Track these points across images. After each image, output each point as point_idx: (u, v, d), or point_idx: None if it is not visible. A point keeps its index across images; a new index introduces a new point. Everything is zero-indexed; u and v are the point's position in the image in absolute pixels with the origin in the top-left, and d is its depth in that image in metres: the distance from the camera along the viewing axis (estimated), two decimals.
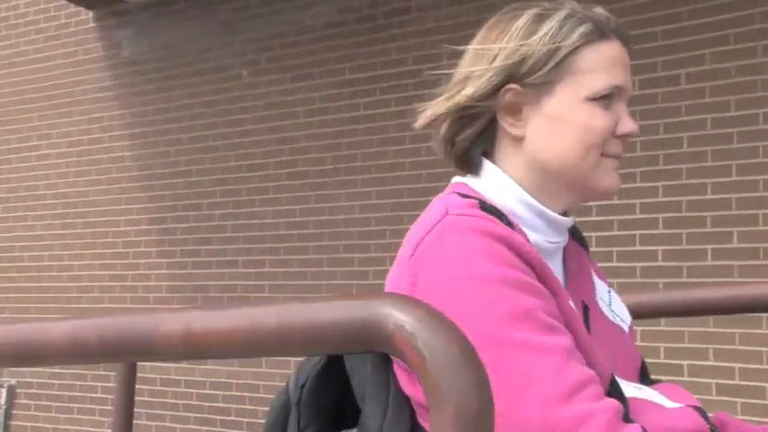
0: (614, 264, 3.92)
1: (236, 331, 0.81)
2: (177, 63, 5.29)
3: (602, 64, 1.11)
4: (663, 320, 3.76)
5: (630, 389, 1.09)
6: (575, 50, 1.11)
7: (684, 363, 3.78)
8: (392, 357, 1.04)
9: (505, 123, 1.12)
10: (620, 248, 3.94)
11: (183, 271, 5.10)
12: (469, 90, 1.12)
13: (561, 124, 1.11)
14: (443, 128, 1.16)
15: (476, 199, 1.08)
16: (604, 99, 1.11)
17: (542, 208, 1.12)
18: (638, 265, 3.90)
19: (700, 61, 3.84)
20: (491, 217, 1.04)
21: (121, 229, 5.37)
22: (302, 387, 1.12)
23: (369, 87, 4.67)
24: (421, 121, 1.18)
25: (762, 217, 3.67)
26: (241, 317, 0.82)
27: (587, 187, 1.13)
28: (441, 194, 1.13)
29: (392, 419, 1.02)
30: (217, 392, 4.87)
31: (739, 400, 3.62)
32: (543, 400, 0.92)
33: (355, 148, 4.67)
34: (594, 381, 0.96)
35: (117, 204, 5.41)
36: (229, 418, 4.80)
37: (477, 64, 1.14)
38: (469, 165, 1.15)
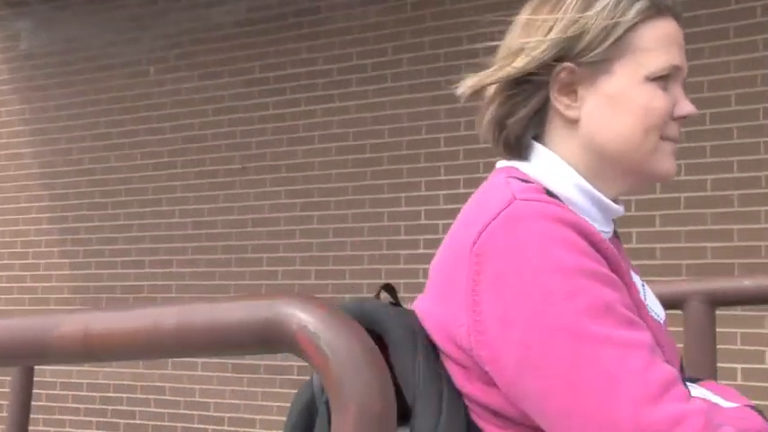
0: None
1: (137, 332, 0.79)
2: (80, 57, 5.14)
3: (660, 42, 1.05)
4: None
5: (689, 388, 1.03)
6: (633, 27, 1.04)
7: None
8: (443, 351, 0.99)
9: (560, 105, 1.05)
10: None
11: (86, 271, 4.97)
12: (521, 62, 1.05)
13: (620, 105, 1.05)
14: (492, 109, 1.08)
15: (538, 184, 1.02)
16: (662, 79, 1.05)
17: (599, 195, 1.06)
18: None
19: None
20: (562, 203, 0.98)
21: (20, 228, 5.20)
22: None
23: (278, 86, 4.64)
24: (463, 89, 1.09)
25: (658, 218, 3.80)
26: (142, 317, 0.80)
27: (645, 172, 1.08)
28: (494, 180, 1.05)
29: (447, 419, 0.94)
30: (121, 395, 4.76)
31: None
32: (633, 401, 0.86)
33: (264, 147, 4.64)
34: (678, 379, 0.91)
35: (15, 203, 5.23)
36: (134, 422, 4.70)
37: (531, 35, 1.06)
38: (519, 149, 1.07)
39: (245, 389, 4.45)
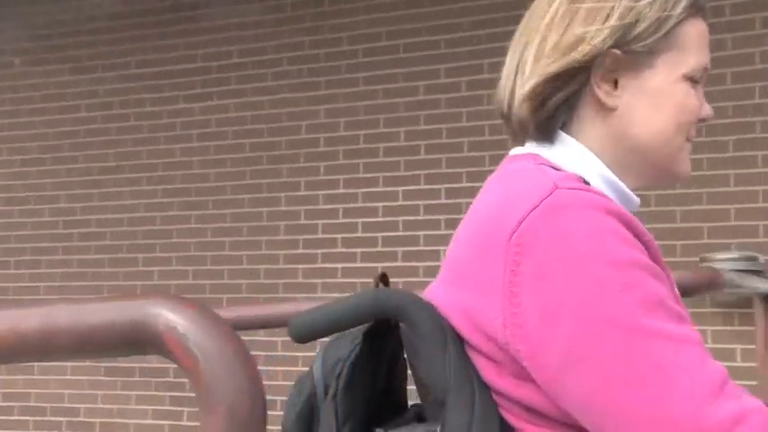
0: (400, 263, 4.05)
1: None
2: None
3: (698, 41, 1.05)
4: None
5: None
6: (680, 22, 1.03)
7: None
8: (470, 344, 0.94)
9: (601, 92, 1.02)
10: (405, 248, 4.07)
11: None
12: (585, 47, 1.00)
13: (659, 100, 1.03)
14: (529, 88, 1.03)
15: (572, 173, 0.98)
16: (693, 79, 1.05)
17: (623, 186, 1.03)
18: (421, 264, 4.05)
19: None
20: (603, 193, 0.95)
21: None
22: (338, 376, 0.98)
23: (155, 83, 4.53)
24: (530, 85, 1.03)
25: None
26: (2, 320, 0.77)
27: (667, 169, 1.07)
28: (520, 166, 1.01)
29: (481, 414, 0.90)
30: None
31: None
32: (692, 398, 0.82)
33: (141, 144, 4.52)
34: (728, 376, 0.87)
35: None
36: None
37: (592, 24, 1.02)
38: (545, 133, 1.03)
39: (119, 393, 4.32)
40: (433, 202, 4.04)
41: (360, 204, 4.14)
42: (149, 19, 4.57)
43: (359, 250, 4.13)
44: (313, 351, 4.23)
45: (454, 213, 4.01)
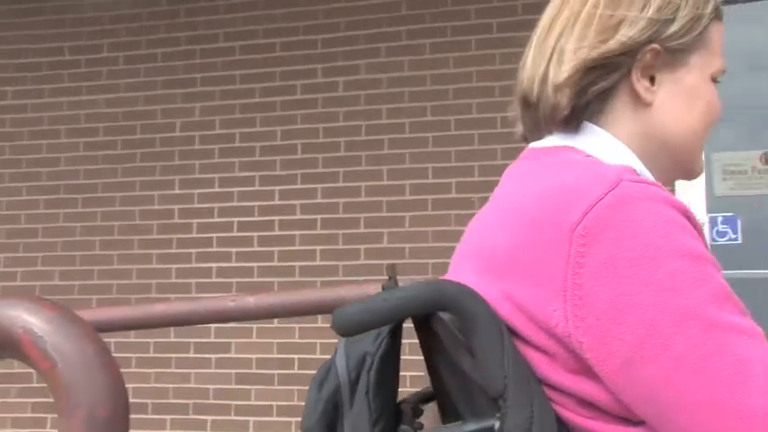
0: (276, 263, 4.02)
1: None
2: None
3: (719, 44, 1.07)
4: (319, 317, 3.92)
5: None
6: (709, 23, 1.05)
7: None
8: (521, 336, 0.91)
9: (640, 86, 1.03)
10: (281, 248, 4.05)
11: None
12: (623, 36, 1.01)
13: (693, 98, 1.04)
14: (570, 78, 1.02)
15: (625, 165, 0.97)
16: (716, 80, 1.07)
17: (654, 180, 1.01)
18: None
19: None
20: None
21: None
22: (368, 371, 0.95)
23: (19, 75, 4.34)
24: (568, 71, 1.02)
25: (408, 219, 3.97)
26: None
27: (687, 167, 1.08)
28: (563, 157, 1.00)
29: (540, 408, 0.87)
30: None
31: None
32: (764, 391, 0.82)
33: (4, 140, 4.32)
34: None
35: None
36: None
37: (629, 9, 1.02)
38: (576, 122, 1.03)
39: None
40: (309, 201, 4.04)
41: (235, 203, 4.09)
42: (14, 7, 4.38)
43: (234, 250, 4.08)
44: (187, 353, 4.15)
45: (331, 213, 4.02)
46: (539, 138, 1.08)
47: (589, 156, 1.00)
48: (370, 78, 4.04)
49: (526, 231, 0.92)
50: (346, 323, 0.92)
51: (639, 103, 1.03)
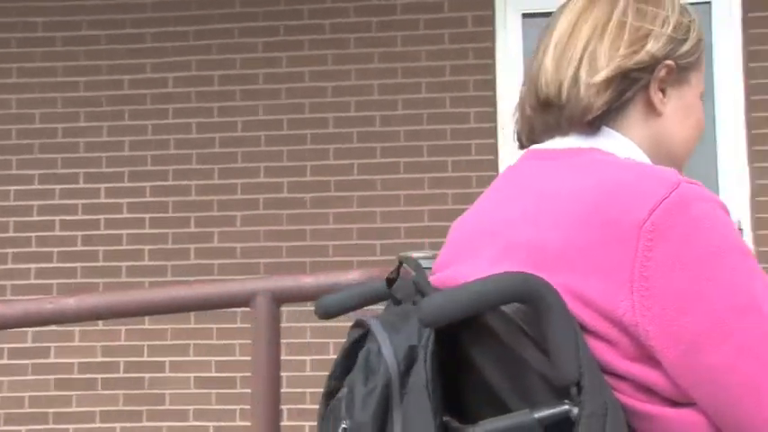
0: (102, 263, 3.88)
1: None
2: None
3: (703, 67, 1.17)
4: (146, 319, 3.82)
5: None
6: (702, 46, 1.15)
7: (166, 359, 3.88)
8: (583, 326, 0.94)
9: (656, 97, 1.11)
10: (106, 248, 3.91)
11: None
12: (651, 48, 1.09)
13: (690, 114, 1.15)
14: (601, 86, 1.08)
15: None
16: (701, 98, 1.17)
17: None
18: (124, 264, 3.90)
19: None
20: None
21: None
22: (425, 363, 0.93)
23: None
24: (605, 75, 1.08)
25: (239, 219, 3.93)
26: None
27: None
28: (603, 158, 1.05)
29: (610, 395, 0.91)
30: None
31: (214, 391, 3.84)
32: None
33: None
34: None
35: None
36: None
37: (653, 24, 1.10)
38: (597, 125, 1.10)
39: None
40: (136, 200, 3.92)
41: (57, 201, 3.91)
42: None
43: (55, 250, 3.90)
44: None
45: (160, 212, 3.91)
46: (543, 140, 1.15)
47: (627, 158, 1.08)
48: (201, 75, 3.97)
49: (586, 228, 0.97)
50: (432, 312, 0.91)
51: (652, 112, 1.12)
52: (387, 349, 0.97)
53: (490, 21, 3.93)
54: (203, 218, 3.93)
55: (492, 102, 3.87)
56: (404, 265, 1.14)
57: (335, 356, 1.09)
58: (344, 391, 1.00)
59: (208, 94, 3.96)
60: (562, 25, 1.14)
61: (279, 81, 3.96)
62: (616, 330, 0.94)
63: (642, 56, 1.09)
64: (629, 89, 1.09)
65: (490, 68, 3.89)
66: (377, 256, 3.85)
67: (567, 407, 0.89)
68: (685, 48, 1.13)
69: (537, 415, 0.89)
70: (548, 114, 1.13)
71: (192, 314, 3.80)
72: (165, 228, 3.93)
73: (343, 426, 0.96)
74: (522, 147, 1.20)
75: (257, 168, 3.93)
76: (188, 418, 3.83)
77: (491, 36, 3.92)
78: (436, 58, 3.91)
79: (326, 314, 1.16)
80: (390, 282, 1.17)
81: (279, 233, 3.90)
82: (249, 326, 1.86)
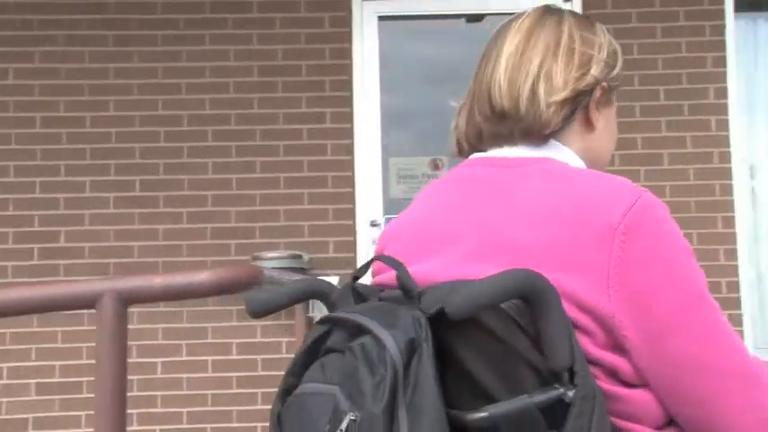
0: None
1: None
2: None
3: None
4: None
5: None
6: None
7: (4, 366, 3.70)
8: (576, 323, 1.05)
9: (594, 116, 1.25)
10: None
11: None
12: (595, 71, 1.23)
13: (611, 129, 1.31)
14: (558, 106, 1.21)
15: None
16: None
17: None
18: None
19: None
20: None
21: None
22: (429, 356, 0.98)
23: None
24: (565, 95, 1.21)
25: (87, 217, 3.79)
26: None
27: None
28: (559, 167, 1.16)
29: (594, 380, 1.02)
30: None
31: (58, 397, 3.68)
32: (746, 353, 1.09)
33: None
34: None
35: None
36: None
37: (593, 49, 1.24)
38: (546, 138, 1.22)
39: None
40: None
41: None
42: None
43: None
44: None
45: (25, 226, 3.73)
46: (488, 148, 1.26)
47: (578, 167, 1.21)
48: (70, 84, 3.81)
49: (564, 230, 1.09)
50: (468, 303, 0.96)
51: (588, 127, 1.27)
52: (390, 342, 0.99)
53: (347, 22, 3.95)
54: (48, 216, 3.77)
55: (348, 102, 3.90)
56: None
57: (294, 354, 1.10)
58: (333, 388, 1.01)
59: (77, 103, 3.80)
60: (513, 41, 1.26)
61: (130, 78, 3.85)
62: (594, 322, 1.06)
63: (589, 79, 1.23)
64: (577, 108, 1.24)
65: (347, 69, 3.91)
66: (231, 255, 3.81)
67: (561, 390, 0.98)
68: (615, 72, 1.28)
69: (535, 399, 0.98)
70: (500, 125, 1.24)
71: (35, 317, 3.64)
72: (5, 227, 3.75)
73: (351, 417, 0.96)
74: (460, 154, 1.30)
75: (107, 166, 3.81)
76: (26, 427, 3.66)
77: (348, 37, 3.95)
78: (293, 58, 3.91)
79: (254, 314, 1.16)
80: (355, 279, 1.20)
81: (130, 232, 3.79)
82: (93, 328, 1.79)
